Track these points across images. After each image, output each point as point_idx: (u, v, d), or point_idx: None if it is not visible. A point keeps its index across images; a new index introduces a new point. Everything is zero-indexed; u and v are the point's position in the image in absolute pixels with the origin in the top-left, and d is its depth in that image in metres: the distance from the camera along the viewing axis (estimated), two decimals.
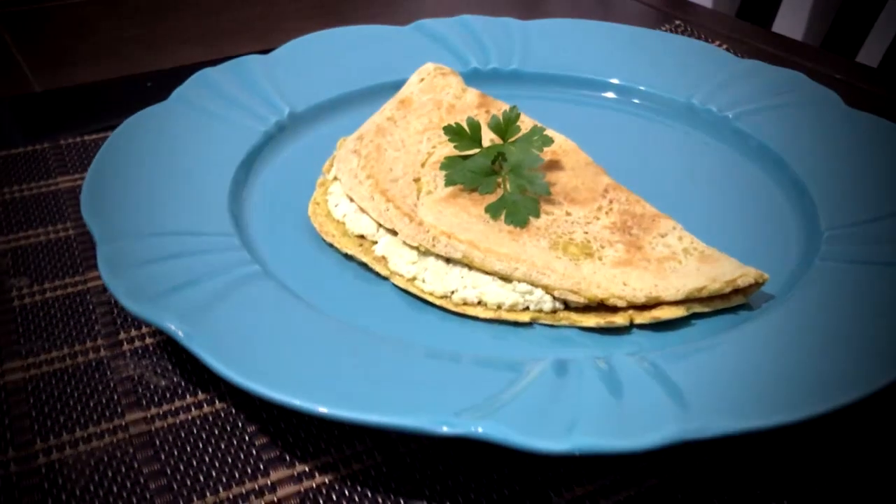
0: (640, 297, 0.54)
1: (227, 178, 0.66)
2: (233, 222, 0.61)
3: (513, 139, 0.65)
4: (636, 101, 0.82)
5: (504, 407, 0.44)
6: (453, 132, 0.65)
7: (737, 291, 0.56)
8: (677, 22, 1.02)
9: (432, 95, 0.75)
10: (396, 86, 0.81)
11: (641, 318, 0.55)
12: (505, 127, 0.65)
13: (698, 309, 0.55)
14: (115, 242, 0.55)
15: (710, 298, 0.55)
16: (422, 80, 0.77)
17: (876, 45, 1.18)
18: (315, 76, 0.81)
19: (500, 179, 0.63)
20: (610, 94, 0.83)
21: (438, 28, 0.89)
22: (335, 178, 0.68)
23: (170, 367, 0.54)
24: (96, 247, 0.55)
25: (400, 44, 0.87)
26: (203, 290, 0.52)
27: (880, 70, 1.17)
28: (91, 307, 0.59)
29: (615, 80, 0.83)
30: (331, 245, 0.62)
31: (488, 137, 0.66)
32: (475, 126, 0.65)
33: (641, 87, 0.82)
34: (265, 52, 0.98)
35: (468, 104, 0.74)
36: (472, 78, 0.83)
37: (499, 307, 0.56)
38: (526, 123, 0.68)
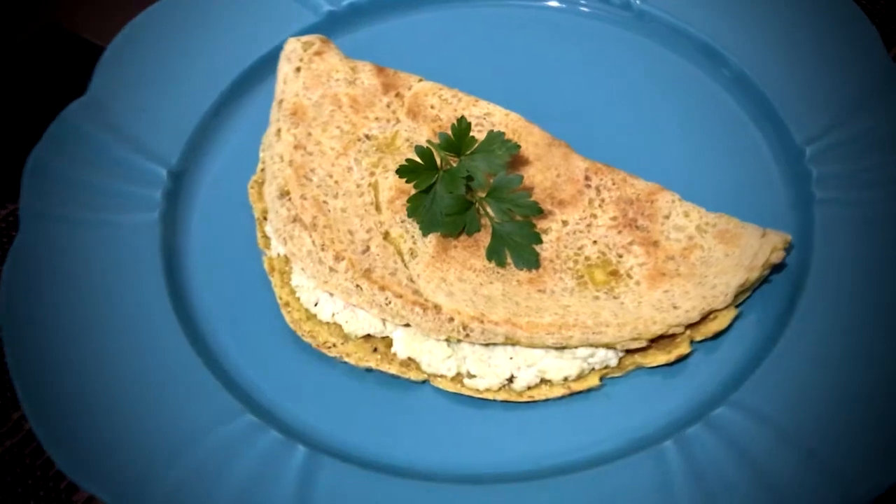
0: (696, 316, 0.52)
1: (172, 319, 0.55)
2: (233, 395, 0.51)
3: (470, 152, 0.57)
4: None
5: None
6: (409, 171, 0.56)
7: None
8: None
9: (322, 91, 0.63)
10: (259, 72, 0.68)
11: (700, 334, 0.53)
12: (458, 141, 0.57)
13: (742, 298, 0.55)
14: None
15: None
16: (297, 69, 0.64)
17: None
18: (162, 100, 0.65)
19: (476, 205, 0.56)
20: None
21: None
22: (284, 257, 0.58)
23: None
24: None
25: (235, 5, 0.70)
26: None
27: None
28: None
29: None
30: (338, 357, 0.54)
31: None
32: (427, 154, 0.56)
33: None
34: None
35: (369, 91, 0.63)
36: (331, 26, 0.70)
37: (566, 379, 0.52)
38: (447, 98, 0.62)
